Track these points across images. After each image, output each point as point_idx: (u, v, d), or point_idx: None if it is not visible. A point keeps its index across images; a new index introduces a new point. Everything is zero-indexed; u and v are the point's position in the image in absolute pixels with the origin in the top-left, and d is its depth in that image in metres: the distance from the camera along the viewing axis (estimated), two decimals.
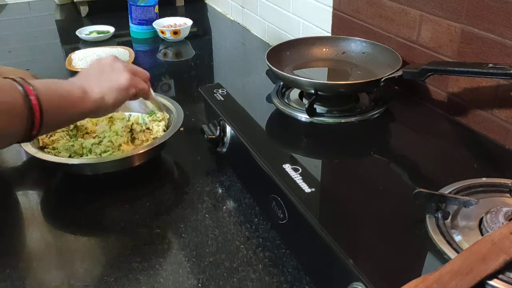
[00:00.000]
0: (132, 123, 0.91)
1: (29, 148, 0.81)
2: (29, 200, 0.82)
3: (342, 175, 0.72)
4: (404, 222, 0.60)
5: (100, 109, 0.71)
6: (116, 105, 0.74)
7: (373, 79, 0.84)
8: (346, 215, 0.62)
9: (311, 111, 0.83)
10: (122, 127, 0.90)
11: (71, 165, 0.81)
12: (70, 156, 0.84)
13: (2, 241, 0.72)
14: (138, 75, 0.77)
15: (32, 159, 0.91)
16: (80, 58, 1.19)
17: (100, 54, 1.21)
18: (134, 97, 0.77)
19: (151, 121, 0.92)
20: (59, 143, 0.86)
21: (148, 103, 0.89)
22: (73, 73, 1.16)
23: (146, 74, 0.80)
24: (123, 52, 1.22)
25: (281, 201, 0.66)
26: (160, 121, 0.91)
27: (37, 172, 0.89)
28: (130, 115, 0.94)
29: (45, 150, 0.85)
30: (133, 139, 0.89)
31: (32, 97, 0.60)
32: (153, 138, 0.88)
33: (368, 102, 0.89)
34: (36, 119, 0.61)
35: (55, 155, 0.83)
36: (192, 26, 1.53)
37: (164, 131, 0.89)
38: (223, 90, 0.93)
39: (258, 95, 0.93)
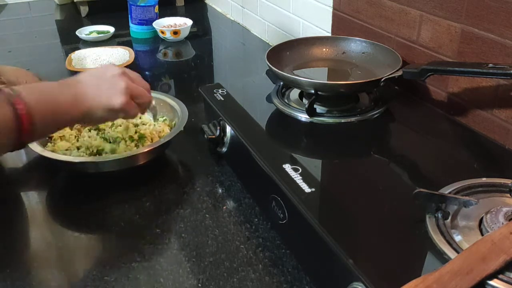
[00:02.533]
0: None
1: (34, 146, 0.81)
2: (30, 199, 0.82)
3: (342, 175, 0.72)
4: (404, 222, 0.60)
5: (84, 120, 0.71)
6: (100, 122, 0.74)
7: (373, 79, 0.84)
8: (346, 215, 0.62)
9: (311, 111, 0.83)
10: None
11: (76, 163, 0.81)
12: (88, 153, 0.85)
13: (2, 241, 0.72)
14: (137, 98, 0.74)
15: (34, 158, 0.91)
16: (80, 58, 1.19)
17: (100, 54, 1.21)
18: (123, 117, 0.75)
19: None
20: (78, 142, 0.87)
21: None
22: (73, 73, 1.16)
23: (147, 97, 0.76)
24: (123, 52, 1.22)
25: (281, 201, 0.66)
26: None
27: (39, 171, 0.89)
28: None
29: (49, 145, 0.86)
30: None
31: (23, 112, 0.59)
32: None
33: (368, 102, 0.89)
34: (24, 132, 0.60)
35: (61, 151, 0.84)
36: (192, 26, 1.53)
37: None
38: (223, 90, 0.93)
39: (258, 95, 0.93)
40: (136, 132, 0.88)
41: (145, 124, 0.91)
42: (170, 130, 0.90)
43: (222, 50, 1.49)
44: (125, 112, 0.72)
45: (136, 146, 0.86)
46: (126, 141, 0.86)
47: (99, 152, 0.85)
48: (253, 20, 1.55)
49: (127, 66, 1.17)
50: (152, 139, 0.88)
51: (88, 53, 1.21)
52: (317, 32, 1.22)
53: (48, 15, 1.81)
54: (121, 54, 1.21)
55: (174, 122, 0.92)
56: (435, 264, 0.52)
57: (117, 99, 0.70)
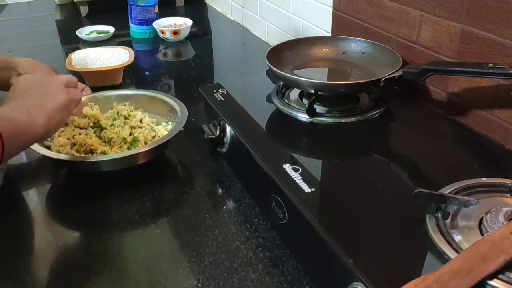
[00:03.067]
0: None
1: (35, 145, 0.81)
2: (29, 199, 0.82)
3: (342, 175, 0.72)
4: (404, 222, 0.60)
5: (49, 132, 0.73)
6: (62, 124, 0.75)
7: (373, 79, 0.84)
8: (346, 215, 0.62)
9: (311, 111, 0.83)
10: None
11: (76, 162, 0.81)
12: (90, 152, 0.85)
13: (2, 241, 0.72)
14: (70, 86, 0.77)
15: (34, 156, 0.91)
16: (80, 58, 1.19)
17: (100, 54, 1.21)
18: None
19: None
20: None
21: None
22: (74, 73, 1.16)
23: (74, 80, 0.80)
24: (123, 52, 1.22)
25: (281, 201, 0.66)
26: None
27: (38, 170, 0.89)
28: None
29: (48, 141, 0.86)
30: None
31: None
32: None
33: (368, 102, 0.89)
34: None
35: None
36: (192, 26, 1.53)
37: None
38: (223, 90, 0.93)
39: (258, 95, 0.93)
40: (130, 134, 0.88)
41: (141, 128, 0.91)
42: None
43: (222, 50, 1.49)
44: (73, 101, 0.76)
45: (129, 149, 0.86)
46: (120, 143, 0.87)
47: (92, 151, 0.85)
48: (253, 20, 1.55)
49: (127, 66, 1.17)
50: (146, 144, 0.88)
51: (88, 53, 1.21)
52: (317, 32, 1.22)
53: (48, 15, 1.81)
54: (121, 54, 1.21)
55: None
56: (435, 264, 0.52)
57: (61, 95, 0.73)
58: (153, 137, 0.90)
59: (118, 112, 0.94)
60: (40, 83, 0.75)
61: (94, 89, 1.05)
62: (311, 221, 0.58)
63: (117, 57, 1.20)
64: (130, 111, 0.95)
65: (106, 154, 0.84)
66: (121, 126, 0.90)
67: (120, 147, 0.86)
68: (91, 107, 0.94)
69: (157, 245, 0.70)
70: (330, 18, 1.15)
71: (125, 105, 0.97)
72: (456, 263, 0.48)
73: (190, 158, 0.91)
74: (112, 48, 1.26)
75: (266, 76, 0.94)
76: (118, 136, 0.87)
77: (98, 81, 1.16)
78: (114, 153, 0.84)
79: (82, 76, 1.16)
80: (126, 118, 0.93)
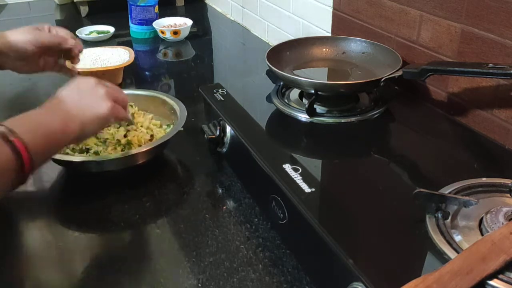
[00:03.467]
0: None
1: None
2: (29, 199, 0.82)
3: (342, 175, 0.72)
4: (404, 222, 0.60)
5: (81, 138, 0.71)
6: (95, 133, 0.74)
7: (373, 79, 0.84)
8: (346, 215, 0.62)
9: (311, 111, 0.83)
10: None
11: (75, 162, 0.81)
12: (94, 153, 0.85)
13: (2, 241, 0.72)
14: (118, 102, 0.74)
15: None
16: (80, 58, 1.19)
17: (100, 54, 1.21)
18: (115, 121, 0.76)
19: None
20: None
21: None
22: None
23: (125, 99, 0.77)
24: (123, 52, 1.22)
25: (281, 201, 0.66)
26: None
27: (39, 170, 0.89)
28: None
29: None
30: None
31: (23, 151, 0.58)
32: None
33: (368, 102, 0.89)
34: (25, 170, 0.59)
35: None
36: (192, 26, 1.53)
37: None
38: (223, 90, 0.93)
39: (258, 95, 0.93)
40: (125, 136, 0.88)
41: (136, 130, 0.91)
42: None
43: (222, 50, 1.49)
44: (114, 116, 0.72)
45: (123, 151, 0.86)
46: (114, 144, 0.87)
47: (87, 150, 0.85)
48: (253, 20, 1.55)
49: (127, 66, 1.17)
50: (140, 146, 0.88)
51: (88, 53, 1.21)
52: (317, 32, 1.22)
53: (48, 15, 1.80)
54: (121, 54, 1.21)
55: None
56: (435, 264, 0.52)
57: (104, 105, 0.70)
58: (151, 138, 0.90)
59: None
60: (86, 88, 0.72)
61: None
62: (311, 221, 0.58)
63: (117, 57, 1.20)
64: (134, 112, 0.94)
65: (99, 154, 0.84)
66: (116, 127, 0.90)
67: (115, 148, 0.86)
68: None
69: (157, 245, 0.70)
70: (330, 18, 1.15)
71: (131, 105, 0.96)
72: (456, 263, 0.48)
73: (190, 158, 0.91)
74: (112, 48, 1.26)
75: (266, 76, 0.94)
76: (113, 138, 0.87)
77: None
78: (114, 153, 0.84)
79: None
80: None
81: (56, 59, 0.94)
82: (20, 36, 0.86)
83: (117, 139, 0.87)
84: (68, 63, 0.96)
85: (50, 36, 0.89)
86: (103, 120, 0.71)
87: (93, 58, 1.19)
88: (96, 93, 0.71)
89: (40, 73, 0.93)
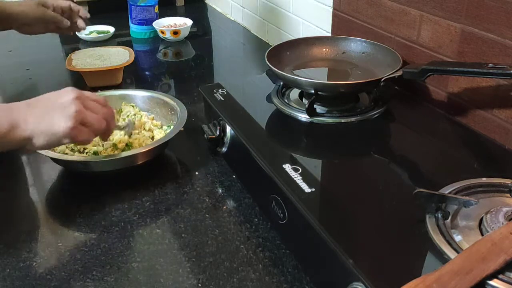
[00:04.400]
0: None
1: None
2: (29, 199, 0.82)
3: (342, 175, 0.72)
4: (404, 222, 0.60)
5: (27, 146, 0.68)
6: (45, 148, 0.71)
7: (373, 79, 0.84)
8: (346, 215, 0.62)
9: (311, 111, 0.83)
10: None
11: (76, 162, 0.81)
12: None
13: (2, 241, 0.72)
14: (90, 124, 0.70)
15: (33, 156, 0.91)
16: (80, 58, 1.19)
17: (100, 54, 1.21)
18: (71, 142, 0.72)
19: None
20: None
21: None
22: (73, 73, 1.16)
23: (101, 124, 0.72)
24: (123, 52, 1.22)
25: (281, 201, 0.66)
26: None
27: (37, 170, 0.89)
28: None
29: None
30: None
31: None
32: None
33: (368, 102, 0.89)
34: None
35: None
36: (192, 26, 1.53)
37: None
38: (223, 90, 0.93)
39: (258, 95, 0.93)
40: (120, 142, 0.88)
41: (139, 133, 0.91)
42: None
43: (222, 50, 1.49)
44: (71, 138, 0.69)
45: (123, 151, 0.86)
46: (111, 146, 0.87)
47: (85, 151, 0.86)
48: (253, 20, 1.55)
49: (127, 66, 1.17)
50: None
51: (88, 52, 1.22)
52: (317, 32, 1.22)
53: None
54: (121, 54, 1.21)
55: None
56: (435, 264, 0.52)
57: (62, 124, 0.68)
58: (152, 137, 0.90)
59: (128, 115, 0.94)
60: (59, 102, 0.68)
61: (94, 89, 1.05)
62: (311, 221, 0.58)
63: (117, 56, 1.20)
64: (135, 113, 0.95)
65: (98, 154, 0.84)
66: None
67: (112, 150, 0.86)
68: None
69: (157, 245, 0.70)
70: (330, 18, 1.15)
71: (132, 106, 0.97)
72: (456, 263, 0.48)
73: (190, 158, 0.91)
74: (112, 48, 1.26)
75: (266, 76, 0.94)
76: (111, 140, 0.87)
77: (98, 81, 1.16)
78: (114, 154, 0.84)
79: (82, 75, 1.16)
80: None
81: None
82: (27, 9, 1.11)
83: (113, 143, 0.87)
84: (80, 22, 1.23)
85: (55, 14, 1.14)
86: (57, 138, 0.68)
87: (93, 58, 1.19)
88: (63, 110, 0.68)
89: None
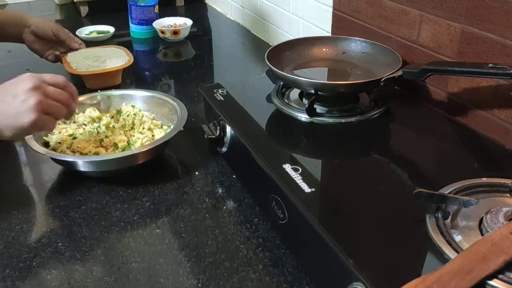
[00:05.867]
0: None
1: (33, 143, 0.81)
2: (28, 199, 0.82)
3: (342, 175, 0.72)
4: (404, 222, 0.60)
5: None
6: (15, 138, 0.71)
7: (373, 79, 0.84)
8: (346, 215, 0.62)
9: (311, 111, 0.83)
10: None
11: (76, 162, 0.81)
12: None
13: (2, 241, 0.72)
14: (51, 112, 0.71)
15: (32, 156, 0.91)
16: (77, 60, 1.15)
17: (98, 54, 1.19)
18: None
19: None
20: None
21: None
22: (74, 76, 1.15)
23: (63, 109, 0.73)
24: (121, 53, 1.20)
25: (281, 201, 0.66)
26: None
27: (37, 170, 0.89)
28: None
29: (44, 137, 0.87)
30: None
31: None
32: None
33: (368, 102, 0.89)
34: None
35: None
36: (192, 26, 1.53)
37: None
38: (223, 90, 0.93)
39: (258, 95, 0.93)
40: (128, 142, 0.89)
41: (142, 134, 0.91)
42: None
43: (222, 50, 1.49)
44: (38, 129, 0.70)
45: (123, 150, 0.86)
46: (112, 146, 0.87)
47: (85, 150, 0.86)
48: (253, 20, 1.55)
49: (127, 67, 1.16)
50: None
51: (84, 54, 1.19)
52: (317, 32, 1.22)
53: (48, 15, 1.80)
54: (118, 54, 1.20)
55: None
56: (435, 264, 0.52)
57: (25, 118, 0.67)
58: (152, 136, 0.90)
59: (128, 115, 0.94)
60: (16, 93, 0.67)
61: (94, 90, 1.05)
62: (311, 221, 0.58)
63: (115, 57, 1.19)
64: (135, 113, 0.95)
65: (98, 154, 0.84)
66: (114, 129, 0.90)
67: (113, 150, 0.86)
68: (95, 108, 0.96)
69: (157, 245, 0.70)
70: (330, 18, 1.15)
71: (133, 106, 0.97)
72: (456, 263, 0.48)
73: (190, 158, 0.91)
74: (107, 47, 1.24)
75: (266, 76, 0.94)
76: (109, 140, 0.87)
77: (98, 82, 1.15)
78: (114, 153, 0.84)
79: (81, 77, 1.16)
80: (133, 123, 0.93)
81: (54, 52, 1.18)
82: (44, 22, 1.15)
83: (114, 143, 0.87)
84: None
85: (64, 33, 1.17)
86: (24, 130, 0.69)
87: (91, 59, 1.18)
88: (22, 102, 0.67)
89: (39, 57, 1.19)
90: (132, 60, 1.17)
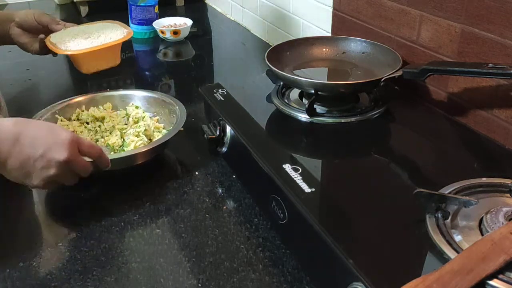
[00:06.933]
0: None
1: None
2: (28, 199, 0.82)
3: (342, 175, 0.72)
4: (404, 222, 0.60)
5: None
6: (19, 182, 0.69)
7: (373, 79, 0.84)
8: (346, 215, 0.62)
9: (311, 111, 0.83)
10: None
11: None
12: None
13: (2, 241, 0.72)
14: (62, 179, 0.70)
15: None
16: (63, 40, 1.05)
17: (86, 31, 1.08)
18: None
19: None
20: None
21: None
22: (66, 61, 1.11)
23: (89, 167, 0.73)
24: (112, 26, 1.06)
25: (281, 201, 0.66)
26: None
27: None
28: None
29: None
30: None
31: None
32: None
33: (368, 102, 0.89)
34: None
35: None
36: (192, 26, 1.53)
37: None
38: (223, 90, 0.93)
39: (258, 95, 0.93)
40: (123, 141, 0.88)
41: (138, 136, 0.90)
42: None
43: (222, 50, 1.49)
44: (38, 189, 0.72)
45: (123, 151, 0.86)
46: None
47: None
48: (253, 20, 1.55)
49: (127, 66, 1.15)
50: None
51: (71, 32, 1.04)
52: (317, 32, 1.22)
53: None
54: (110, 28, 1.07)
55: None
56: (435, 264, 0.52)
57: (34, 181, 0.68)
58: (150, 140, 0.90)
59: (128, 116, 0.94)
60: (39, 154, 0.66)
61: (92, 77, 1.00)
62: (311, 221, 0.58)
63: (107, 32, 1.07)
64: (136, 114, 0.94)
65: None
66: (109, 131, 0.90)
67: (113, 149, 0.86)
68: (103, 106, 0.96)
69: (157, 245, 0.70)
70: (330, 18, 1.15)
71: (136, 107, 0.96)
72: (456, 263, 0.48)
73: (190, 158, 0.91)
74: (96, 23, 1.13)
75: (266, 76, 0.94)
76: (104, 141, 0.87)
77: (95, 63, 1.03)
78: (114, 153, 0.84)
79: (74, 63, 1.08)
80: (136, 122, 0.93)
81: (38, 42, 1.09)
82: (27, 12, 1.09)
83: (108, 143, 0.87)
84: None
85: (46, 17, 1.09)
86: (23, 183, 0.69)
87: (80, 37, 1.06)
88: (41, 169, 0.67)
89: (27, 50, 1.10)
90: (131, 31, 1.07)
